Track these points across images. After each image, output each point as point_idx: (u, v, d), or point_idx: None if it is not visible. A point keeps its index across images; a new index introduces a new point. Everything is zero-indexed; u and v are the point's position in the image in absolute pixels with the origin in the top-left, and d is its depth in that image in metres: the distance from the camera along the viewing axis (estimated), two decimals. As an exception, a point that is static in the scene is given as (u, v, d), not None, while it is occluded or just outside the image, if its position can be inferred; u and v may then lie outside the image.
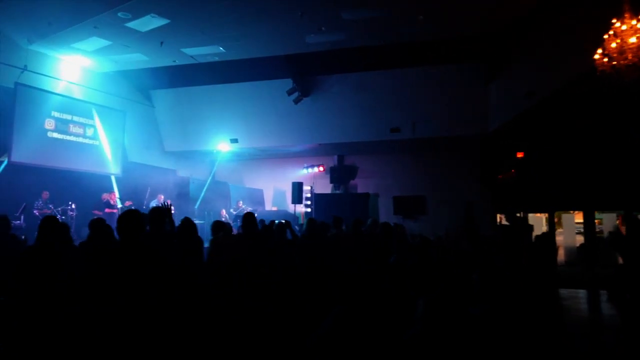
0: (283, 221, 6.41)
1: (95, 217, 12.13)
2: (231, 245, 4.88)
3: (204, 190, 16.19)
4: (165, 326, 3.17)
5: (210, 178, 16.87)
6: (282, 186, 17.71)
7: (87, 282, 3.08)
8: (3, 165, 10.81)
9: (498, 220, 15.63)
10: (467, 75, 12.85)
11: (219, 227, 5.74)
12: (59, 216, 11.24)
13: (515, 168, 15.20)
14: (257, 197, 17.21)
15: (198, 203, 15.63)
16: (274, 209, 17.53)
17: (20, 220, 9.72)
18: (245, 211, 15.60)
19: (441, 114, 13.35)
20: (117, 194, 11.78)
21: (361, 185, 17.37)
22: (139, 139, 14.80)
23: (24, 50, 11.11)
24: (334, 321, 2.65)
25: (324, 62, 12.89)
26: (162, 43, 11.07)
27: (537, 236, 9.37)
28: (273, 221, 6.58)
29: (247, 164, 17.89)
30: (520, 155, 15.42)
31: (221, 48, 11.48)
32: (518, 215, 14.59)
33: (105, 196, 12.50)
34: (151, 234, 3.75)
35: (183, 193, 15.39)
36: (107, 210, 11.49)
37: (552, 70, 9.73)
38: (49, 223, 4.19)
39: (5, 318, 3.82)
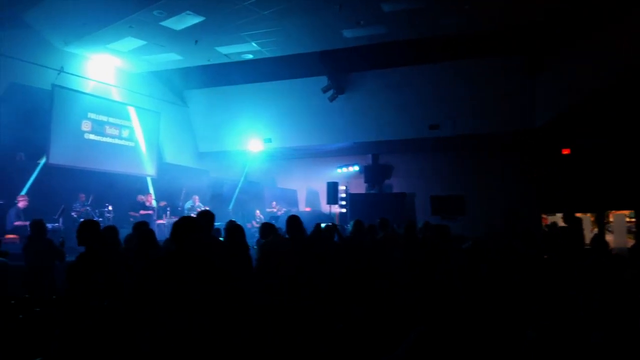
0: (330, 224, 6.05)
1: (135, 219, 12.09)
2: (280, 252, 4.52)
3: (237, 190, 16.01)
4: (219, 334, 2.98)
5: (242, 178, 16.68)
6: (315, 186, 17.39)
7: (146, 290, 2.84)
8: (39, 167, 10.79)
9: (545, 221, 14.90)
10: (512, 68, 12.18)
11: (268, 229, 5.35)
12: (96, 218, 11.20)
13: (561, 166, 14.47)
14: (290, 198, 16.93)
15: (232, 204, 15.45)
16: (308, 209, 17.22)
17: (59, 222, 9.66)
18: (280, 212, 15.45)
19: (483, 109, 12.75)
20: (152, 196, 11.64)
21: (396, 184, 16.86)
22: (173, 140, 14.72)
23: (60, 52, 11.10)
24: (414, 343, 2.28)
25: (360, 58, 12.47)
26: (196, 41, 10.87)
27: (592, 238, 8.73)
28: (319, 224, 6.22)
29: (280, 164, 17.61)
30: (566, 152, 14.66)
31: (255, 45, 11.20)
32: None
33: (140, 198, 12.42)
34: (202, 240, 3.44)
35: (217, 194, 15.24)
36: (142, 212, 11.37)
37: (603, 64, 9.07)
38: (91, 227, 3.99)
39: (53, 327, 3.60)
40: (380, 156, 16.90)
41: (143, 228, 4.86)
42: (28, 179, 10.46)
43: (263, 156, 16.39)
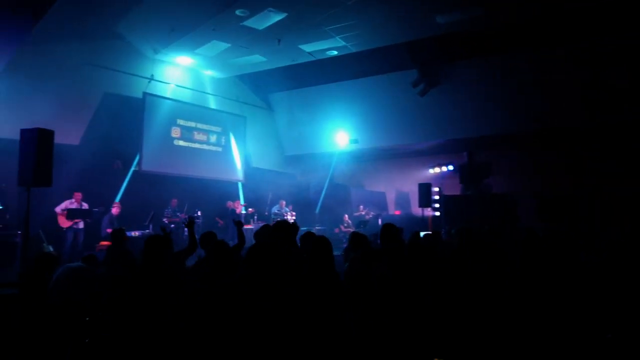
0: (430, 232, 5.19)
1: (222, 226, 12.03)
2: (370, 269, 3.75)
3: (322, 194, 15.51)
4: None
5: (327, 181, 16.14)
6: (405, 188, 16.40)
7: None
8: (130, 174, 11.00)
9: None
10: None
11: (358, 241, 4.59)
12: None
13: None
14: (379, 201, 16.09)
15: (318, 208, 14.98)
16: (397, 212, 16.27)
17: (149, 228, 9.73)
18: (368, 216, 14.69)
19: (600, 97, 11.02)
20: (241, 202, 11.48)
21: (495, 185, 15.34)
22: (259, 144, 14.58)
23: (151, 60, 11.32)
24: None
25: (453, 47, 11.37)
26: (279, 41, 10.50)
27: None
28: (417, 232, 5.40)
29: (367, 166, 16.81)
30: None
31: (340, 40, 10.59)
32: None
33: (230, 204, 12.34)
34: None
35: (302, 198, 14.87)
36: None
37: None
38: (154, 243, 3.57)
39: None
40: (476, 153, 15.51)
41: (210, 241, 4.34)
42: (120, 185, 10.73)
43: (349, 158, 15.75)
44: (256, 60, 11.73)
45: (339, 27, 9.95)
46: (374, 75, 13.26)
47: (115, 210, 9.19)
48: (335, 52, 11.38)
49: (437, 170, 15.56)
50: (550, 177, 14.27)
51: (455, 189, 15.44)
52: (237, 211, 11.33)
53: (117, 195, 10.74)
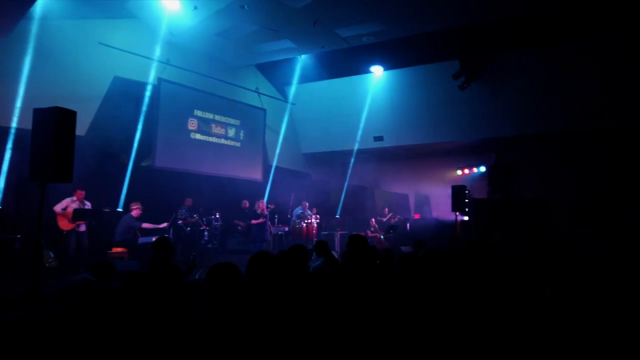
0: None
1: (243, 229, 10.81)
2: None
3: (342, 196, 14.37)
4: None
5: (346, 182, 14.99)
6: (425, 190, 15.37)
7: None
8: (139, 170, 9.72)
9: None
10: None
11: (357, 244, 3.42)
12: (203, 227, 10.02)
13: None
14: (403, 203, 15.02)
15: (339, 211, 13.84)
16: (416, 216, 15.21)
17: (169, 233, 8.49)
18: (394, 220, 13.59)
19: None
20: (264, 202, 10.25)
21: (524, 188, 14.38)
22: (277, 140, 13.35)
23: (167, 43, 10.02)
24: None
25: (503, 35, 10.35)
26: (315, 22, 9.35)
27: None
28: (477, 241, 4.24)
29: (389, 166, 15.69)
30: None
31: (380, 25, 9.49)
32: None
33: (246, 204, 11.13)
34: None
35: (321, 200, 13.70)
36: (253, 221, 9.98)
37: None
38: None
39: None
40: (504, 155, 14.54)
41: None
42: (131, 182, 9.43)
43: (371, 157, 14.64)
44: (285, 45, 10.57)
45: (381, 9, 8.88)
46: (408, 66, 12.17)
47: (135, 212, 7.92)
48: (372, 39, 10.28)
49: (465, 171, 14.53)
50: (583, 179, 13.37)
51: (481, 192, 14.46)
52: (260, 211, 10.07)
53: (122, 193, 9.46)
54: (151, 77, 9.84)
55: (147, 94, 9.67)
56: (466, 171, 14.51)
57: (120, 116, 9.37)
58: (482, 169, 14.23)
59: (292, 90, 13.71)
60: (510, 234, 11.94)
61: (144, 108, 9.47)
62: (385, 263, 4.35)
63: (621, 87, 10.40)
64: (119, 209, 9.26)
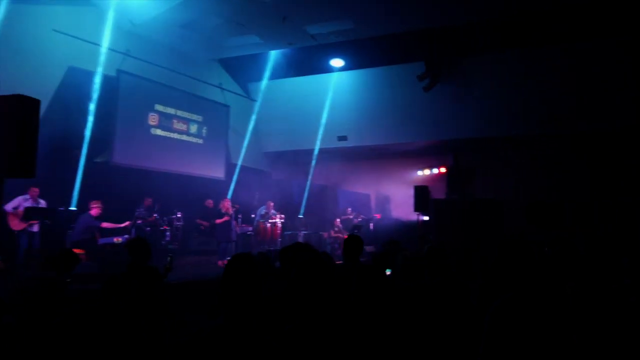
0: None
1: (207, 229, 10.43)
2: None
3: (305, 196, 14.22)
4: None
5: (309, 182, 14.87)
6: (385, 190, 15.51)
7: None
8: (93, 166, 9.16)
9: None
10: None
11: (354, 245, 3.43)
12: (164, 227, 9.58)
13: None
14: (365, 203, 15.06)
15: (302, 211, 13.68)
16: (377, 216, 15.32)
17: (131, 233, 8.03)
18: (357, 220, 13.59)
19: (611, 100, 10.63)
20: (229, 201, 9.90)
21: (480, 190, 14.83)
22: (239, 138, 13.01)
23: (126, 34, 9.52)
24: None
25: (466, 39, 10.57)
26: (284, 18, 9.17)
27: None
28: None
29: (352, 166, 15.69)
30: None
31: (352, 23, 9.44)
32: None
33: (210, 203, 10.77)
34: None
35: (284, 200, 13.49)
36: (217, 221, 9.61)
37: None
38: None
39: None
40: (461, 156, 14.92)
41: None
42: (86, 179, 8.85)
43: (333, 156, 14.57)
44: (251, 40, 10.31)
45: (354, 7, 8.83)
46: (374, 67, 12.21)
47: (95, 210, 7.42)
48: (341, 38, 10.23)
49: (426, 172, 14.77)
50: (534, 183, 13.96)
51: (440, 193, 14.77)
52: (224, 210, 9.71)
53: (74, 190, 8.89)
54: (109, 69, 9.28)
55: (104, 86, 9.09)
56: (427, 172, 14.75)
57: (74, 109, 8.80)
58: (442, 170, 14.50)
59: (257, 87, 13.41)
60: (469, 234, 12.22)
61: (98, 101, 8.87)
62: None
63: (576, 93, 10.86)
64: (72, 208, 8.71)
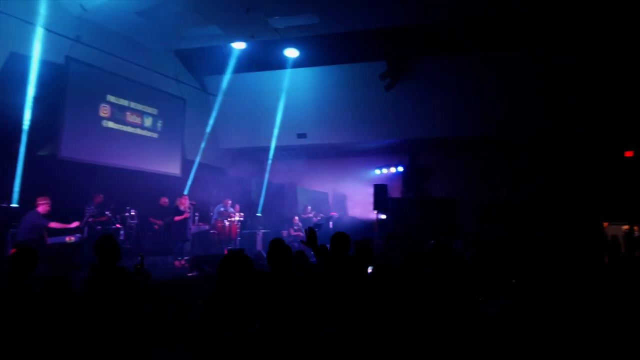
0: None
1: (161, 227, 9.94)
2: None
3: (263, 193, 13.93)
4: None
5: (266, 180, 14.56)
6: (343, 189, 15.52)
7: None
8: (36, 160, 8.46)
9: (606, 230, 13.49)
10: (595, 56, 10.54)
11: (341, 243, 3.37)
12: (117, 225, 9.03)
13: (623, 169, 13.16)
14: (323, 202, 14.97)
15: (260, 208, 13.39)
16: (334, 214, 15.29)
17: (83, 233, 7.47)
18: (316, 218, 13.46)
19: (559, 105, 11.10)
20: (188, 198, 9.45)
21: (435, 189, 15.15)
22: (195, 133, 12.51)
23: (76, 19, 8.86)
24: None
25: (428, 39, 10.68)
26: (248, 9, 8.87)
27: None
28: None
29: (310, 164, 15.54)
30: (629, 154, 13.34)
31: (317, 18, 9.28)
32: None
33: (165, 201, 10.28)
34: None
35: (244, 196, 13.16)
36: (176, 218, 9.18)
37: None
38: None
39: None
40: (418, 156, 15.18)
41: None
42: (29, 174, 8.15)
43: (293, 154, 14.39)
44: (211, 32, 9.89)
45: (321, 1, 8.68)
46: (335, 64, 12.11)
47: (42, 207, 6.80)
48: (305, 32, 10.03)
49: (384, 171, 14.89)
50: (485, 182, 14.42)
51: (396, 192, 14.95)
52: (183, 207, 9.28)
53: (14, 186, 8.18)
54: (57, 56, 8.61)
55: (51, 74, 8.41)
56: (385, 171, 14.87)
57: (17, 98, 8.09)
58: (400, 169, 14.66)
59: (214, 81, 12.95)
60: (424, 231, 12.42)
61: (44, 90, 8.17)
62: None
63: (533, 96, 11.26)
64: (14, 204, 8.01)
